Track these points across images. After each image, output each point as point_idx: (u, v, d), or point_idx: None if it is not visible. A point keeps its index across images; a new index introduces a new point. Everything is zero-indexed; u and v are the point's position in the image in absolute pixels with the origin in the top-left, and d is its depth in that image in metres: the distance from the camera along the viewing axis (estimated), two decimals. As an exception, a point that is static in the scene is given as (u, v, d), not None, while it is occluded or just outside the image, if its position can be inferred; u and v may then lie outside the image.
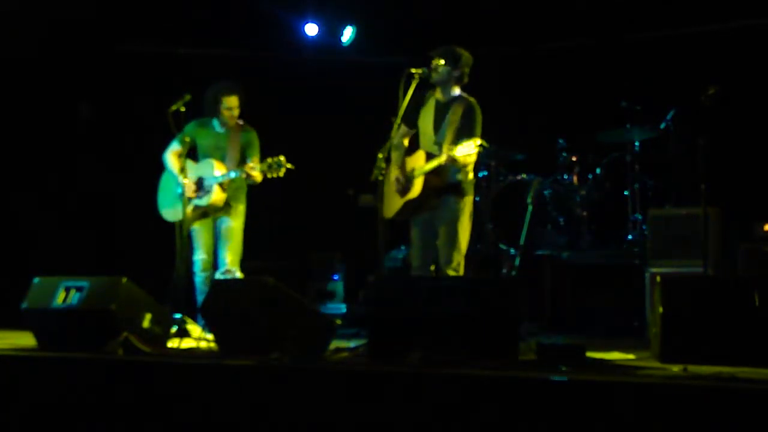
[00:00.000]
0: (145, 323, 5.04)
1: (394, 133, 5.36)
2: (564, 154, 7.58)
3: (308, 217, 8.36)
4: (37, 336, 5.12)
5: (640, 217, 7.08)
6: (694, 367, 4.03)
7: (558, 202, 7.51)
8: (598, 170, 7.47)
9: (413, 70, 5.30)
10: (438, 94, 5.56)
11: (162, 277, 5.97)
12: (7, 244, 7.90)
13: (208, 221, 6.18)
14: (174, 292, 5.75)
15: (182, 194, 6.00)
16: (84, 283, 5.04)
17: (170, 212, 6.17)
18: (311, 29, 8.56)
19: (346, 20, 8.51)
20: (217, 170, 6.04)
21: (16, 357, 4.75)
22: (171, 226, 6.12)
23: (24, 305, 5.10)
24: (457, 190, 5.42)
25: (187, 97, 5.92)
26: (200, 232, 6.17)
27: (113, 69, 8.23)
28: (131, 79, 8.23)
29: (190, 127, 6.13)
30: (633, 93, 7.25)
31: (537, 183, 7.09)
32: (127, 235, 8.09)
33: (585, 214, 7.41)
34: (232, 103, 6.12)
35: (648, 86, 7.40)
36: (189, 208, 6.03)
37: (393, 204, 5.54)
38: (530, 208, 6.83)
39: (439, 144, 5.43)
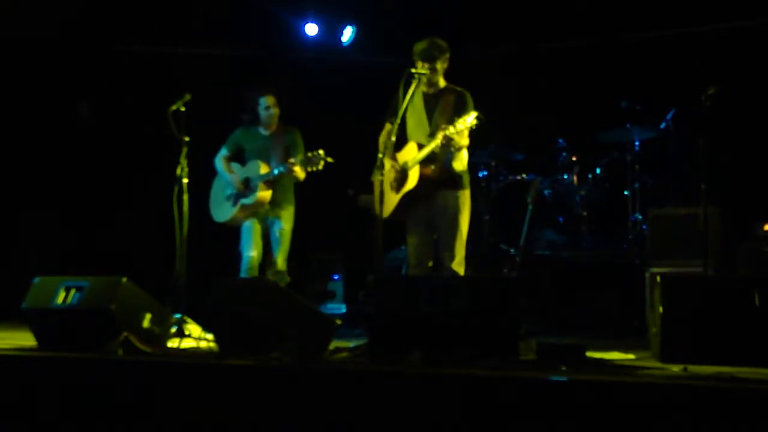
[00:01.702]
0: (145, 323, 5.04)
1: (393, 132, 5.36)
2: (564, 154, 7.59)
3: (308, 217, 8.35)
4: (37, 336, 5.12)
5: (640, 217, 7.09)
6: (694, 367, 4.04)
7: (558, 202, 7.51)
8: (598, 170, 7.48)
9: (413, 70, 5.30)
10: (424, 87, 5.52)
11: (162, 277, 5.97)
12: (7, 244, 7.90)
13: (260, 220, 6.33)
14: (174, 292, 5.75)
15: (232, 193, 6.26)
16: (84, 283, 5.03)
17: (219, 213, 6.41)
18: (311, 29, 8.56)
19: (346, 20, 8.51)
20: (262, 170, 6.25)
21: (16, 357, 4.75)
22: (172, 226, 6.12)
23: (24, 305, 5.10)
24: (455, 183, 5.40)
25: (187, 97, 5.92)
26: (251, 230, 6.30)
27: (113, 69, 8.23)
28: (131, 79, 8.23)
29: (237, 133, 6.45)
30: (633, 93, 7.26)
31: (537, 183, 7.09)
32: (127, 235, 8.08)
33: (585, 214, 7.42)
34: (269, 101, 6.37)
35: (648, 86, 7.40)
36: (236, 208, 6.29)
37: (390, 202, 5.50)
38: (530, 208, 6.83)
39: (433, 135, 5.39)
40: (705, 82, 5.57)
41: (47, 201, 8.09)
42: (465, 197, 5.44)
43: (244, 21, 8.33)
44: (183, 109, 5.88)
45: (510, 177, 7.57)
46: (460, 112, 5.32)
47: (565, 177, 7.53)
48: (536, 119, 7.81)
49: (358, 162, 5.86)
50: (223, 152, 6.49)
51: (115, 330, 4.80)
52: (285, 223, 6.34)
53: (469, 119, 5.12)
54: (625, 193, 7.26)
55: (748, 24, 7.29)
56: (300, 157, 6.08)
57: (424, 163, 5.35)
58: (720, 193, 6.09)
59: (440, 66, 5.46)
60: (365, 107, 7.36)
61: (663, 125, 7.17)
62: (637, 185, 7.20)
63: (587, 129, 7.46)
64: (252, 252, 6.27)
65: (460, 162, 5.37)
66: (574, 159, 7.51)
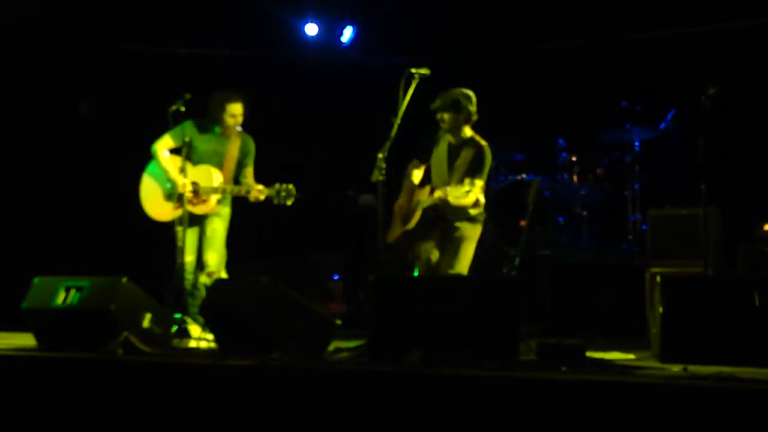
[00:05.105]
0: (145, 323, 5.04)
1: (393, 133, 5.37)
2: (564, 154, 7.59)
3: (308, 217, 8.36)
4: (37, 336, 5.12)
5: (640, 216, 7.09)
6: (694, 367, 4.03)
7: (558, 202, 7.52)
8: (598, 170, 7.48)
9: (413, 70, 5.31)
10: (450, 137, 5.63)
11: (162, 277, 5.97)
12: (7, 244, 7.90)
13: (184, 225, 5.99)
14: (174, 292, 5.75)
15: (175, 194, 5.95)
16: (84, 283, 5.04)
17: (156, 211, 6.10)
18: (311, 29, 8.58)
19: (346, 20, 8.52)
20: (216, 179, 5.97)
21: (16, 357, 4.75)
22: (169, 225, 6.10)
23: (24, 305, 5.10)
24: (466, 218, 5.52)
25: (187, 97, 5.90)
26: (188, 234, 5.99)
27: (113, 69, 8.23)
28: (131, 79, 8.23)
29: (189, 127, 6.07)
30: (633, 93, 7.26)
31: (537, 183, 7.09)
32: (127, 235, 8.08)
33: (585, 214, 7.42)
34: (236, 110, 6.04)
35: (648, 86, 7.41)
36: (178, 212, 5.93)
37: (395, 230, 5.71)
38: (530, 208, 6.83)
39: (448, 184, 5.50)
40: (705, 82, 5.57)
41: (47, 201, 8.09)
42: (472, 230, 5.56)
43: (244, 21, 8.33)
44: (183, 109, 5.87)
45: (510, 177, 7.57)
46: (473, 169, 5.40)
47: (565, 177, 7.53)
48: (536, 119, 7.82)
49: (358, 162, 5.87)
50: (167, 141, 6.06)
51: (115, 330, 4.80)
52: (217, 223, 6.04)
53: (463, 193, 5.11)
54: (625, 193, 7.26)
55: (748, 24, 7.29)
56: (270, 191, 5.81)
57: (428, 208, 5.49)
58: (720, 193, 6.09)
59: (456, 118, 5.51)
60: (365, 107, 7.37)
61: (663, 125, 7.17)
62: (637, 185, 7.20)
63: (587, 129, 7.47)
64: (189, 257, 5.98)
65: (476, 208, 5.46)
66: (574, 159, 7.52)
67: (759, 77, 7.15)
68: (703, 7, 7.41)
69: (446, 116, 5.53)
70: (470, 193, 5.10)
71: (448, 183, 5.45)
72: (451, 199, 5.18)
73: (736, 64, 7.15)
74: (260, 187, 5.88)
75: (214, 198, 5.97)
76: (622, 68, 7.64)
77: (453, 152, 5.60)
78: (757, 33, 7.25)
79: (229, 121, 6.05)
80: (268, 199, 5.87)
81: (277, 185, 5.82)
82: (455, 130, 5.57)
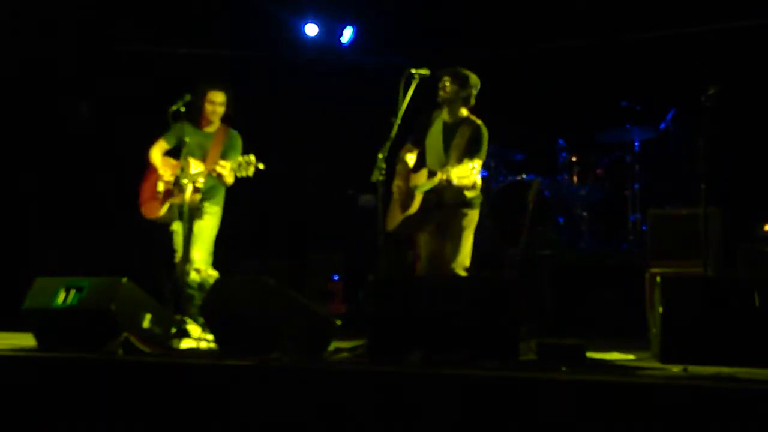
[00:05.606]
0: (145, 323, 5.04)
1: (393, 133, 5.37)
2: (564, 154, 7.59)
3: (308, 217, 8.36)
4: (37, 336, 5.12)
5: (640, 217, 7.09)
6: (694, 367, 4.04)
7: (558, 202, 7.51)
8: (598, 170, 7.48)
9: (413, 70, 5.31)
10: (445, 115, 5.57)
11: (162, 277, 5.97)
12: (7, 244, 7.91)
13: (184, 221, 5.96)
14: (174, 292, 5.75)
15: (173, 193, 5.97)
16: (84, 283, 5.04)
17: (148, 209, 6.12)
18: (311, 29, 8.58)
19: (346, 20, 8.52)
20: (193, 168, 5.95)
21: (16, 357, 4.75)
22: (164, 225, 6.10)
23: (24, 305, 5.10)
24: (464, 203, 5.46)
25: (187, 97, 5.90)
26: (178, 234, 6.00)
27: (113, 69, 8.23)
28: (131, 79, 8.23)
29: (180, 126, 6.01)
30: (633, 93, 7.26)
31: (537, 183, 7.09)
32: (127, 235, 8.08)
33: (585, 214, 7.42)
34: (216, 98, 6.04)
35: (648, 86, 7.41)
36: (164, 207, 5.97)
37: (395, 217, 5.61)
38: (530, 208, 6.83)
39: (445, 165, 5.45)
40: (705, 82, 5.57)
41: (47, 201, 8.09)
42: (472, 216, 5.50)
43: (244, 21, 8.34)
44: (183, 109, 5.86)
45: (510, 177, 7.57)
46: (472, 148, 5.35)
47: (565, 177, 7.54)
48: (536, 119, 7.82)
49: (358, 162, 5.87)
50: (162, 144, 6.11)
51: (115, 330, 4.80)
52: (205, 221, 6.00)
53: (466, 171, 5.08)
54: (625, 193, 7.26)
55: (748, 24, 7.29)
56: (230, 164, 5.77)
57: (429, 191, 5.40)
58: (720, 193, 6.09)
59: (457, 92, 5.47)
60: (365, 107, 7.37)
61: (663, 125, 7.17)
62: (637, 185, 7.20)
63: (587, 129, 7.47)
64: (176, 257, 5.97)
65: (472, 191, 5.41)
66: (574, 159, 7.52)
67: (759, 77, 7.15)
68: (703, 7, 7.41)
69: (450, 86, 5.45)
70: (474, 171, 5.06)
71: (445, 164, 5.38)
72: (455, 179, 5.12)
73: (736, 64, 7.15)
74: (223, 162, 5.85)
75: (189, 187, 5.87)
76: (622, 68, 7.64)
77: (448, 132, 5.52)
78: (757, 33, 7.25)
79: (208, 107, 6.05)
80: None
81: (239, 158, 5.77)
82: (452, 105, 5.49)
